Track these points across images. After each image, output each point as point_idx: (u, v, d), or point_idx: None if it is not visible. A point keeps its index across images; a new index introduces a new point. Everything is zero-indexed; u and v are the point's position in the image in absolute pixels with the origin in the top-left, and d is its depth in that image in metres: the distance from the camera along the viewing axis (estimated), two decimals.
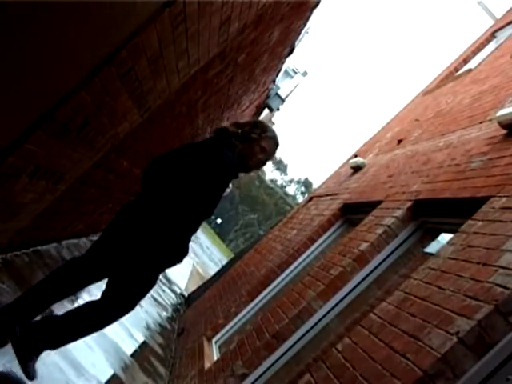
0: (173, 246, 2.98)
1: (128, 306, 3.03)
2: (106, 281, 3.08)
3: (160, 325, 6.99)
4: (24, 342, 2.73)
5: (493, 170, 3.23)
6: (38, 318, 2.91)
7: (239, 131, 3.15)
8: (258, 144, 3.17)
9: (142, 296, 3.08)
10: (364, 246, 3.86)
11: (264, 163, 3.29)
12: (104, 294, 2.99)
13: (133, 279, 2.95)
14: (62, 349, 3.05)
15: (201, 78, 4.36)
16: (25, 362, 2.73)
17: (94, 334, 3.66)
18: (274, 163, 60.75)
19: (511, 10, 10.17)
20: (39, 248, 4.67)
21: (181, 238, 2.99)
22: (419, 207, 3.80)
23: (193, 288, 11.90)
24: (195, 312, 8.21)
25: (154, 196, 3.00)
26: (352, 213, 5.57)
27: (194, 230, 3.05)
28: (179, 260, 3.05)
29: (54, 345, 2.91)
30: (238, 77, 5.83)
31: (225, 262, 22.63)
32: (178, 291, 10.99)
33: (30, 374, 2.75)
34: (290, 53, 8.92)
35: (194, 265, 16.90)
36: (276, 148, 3.28)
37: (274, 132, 3.27)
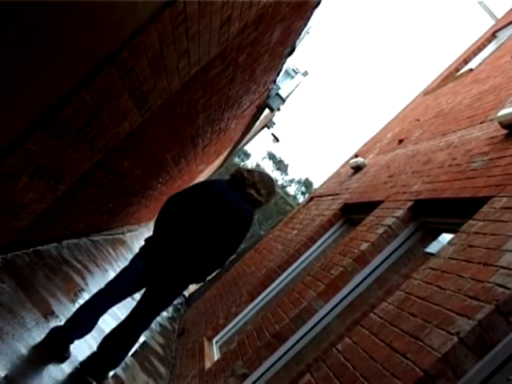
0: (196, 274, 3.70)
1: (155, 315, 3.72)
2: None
3: (160, 325, 6.99)
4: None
5: (494, 170, 3.23)
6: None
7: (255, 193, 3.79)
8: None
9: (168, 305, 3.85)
10: (364, 246, 3.85)
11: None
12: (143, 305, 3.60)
13: (169, 294, 3.67)
14: None
15: (201, 78, 4.36)
16: None
17: (94, 334, 3.68)
18: (274, 163, 60.96)
19: None
20: (40, 248, 4.66)
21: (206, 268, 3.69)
22: (420, 207, 3.80)
23: (193, 288, 11.89)
24: (196, 312, 8.21)
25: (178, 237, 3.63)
26: (352, 213, 5.57)
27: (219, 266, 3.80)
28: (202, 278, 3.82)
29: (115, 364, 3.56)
30: (238, 77, 5.83)
31: None
32: None
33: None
34: (291, 53, 8.90)
35: None
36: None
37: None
